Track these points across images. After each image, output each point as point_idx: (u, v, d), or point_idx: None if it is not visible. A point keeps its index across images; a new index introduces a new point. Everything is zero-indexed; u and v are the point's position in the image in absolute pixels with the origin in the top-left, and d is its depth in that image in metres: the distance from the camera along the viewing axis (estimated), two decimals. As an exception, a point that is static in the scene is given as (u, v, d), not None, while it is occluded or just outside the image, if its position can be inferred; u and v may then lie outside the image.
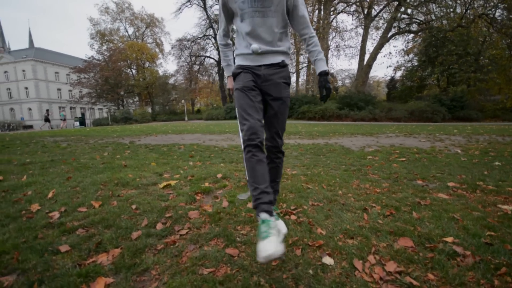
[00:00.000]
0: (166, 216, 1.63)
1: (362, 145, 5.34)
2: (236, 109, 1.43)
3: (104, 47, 36.17)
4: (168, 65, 67.39)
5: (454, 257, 1.13)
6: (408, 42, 24.28)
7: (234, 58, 1.56)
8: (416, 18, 21.83)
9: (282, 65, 1.42)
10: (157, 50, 40.63)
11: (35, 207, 1.76)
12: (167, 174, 2.79)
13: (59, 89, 43.54)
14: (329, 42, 23.89)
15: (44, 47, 48.17)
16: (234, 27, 1.48)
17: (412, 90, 23.99)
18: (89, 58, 33.28)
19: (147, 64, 38.12)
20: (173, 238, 1.34)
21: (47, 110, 22.56)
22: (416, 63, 23.68)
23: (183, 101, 33.42)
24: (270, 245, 0.96)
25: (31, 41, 50.61)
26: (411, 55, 24.45)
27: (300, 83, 31.41)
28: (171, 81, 40.00)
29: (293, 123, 16.84)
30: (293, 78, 32.11)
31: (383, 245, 1.25)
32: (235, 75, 1.45)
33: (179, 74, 39.18)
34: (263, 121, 1.37)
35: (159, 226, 1.49)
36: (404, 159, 3.74)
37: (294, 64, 28.67)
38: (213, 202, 1.90)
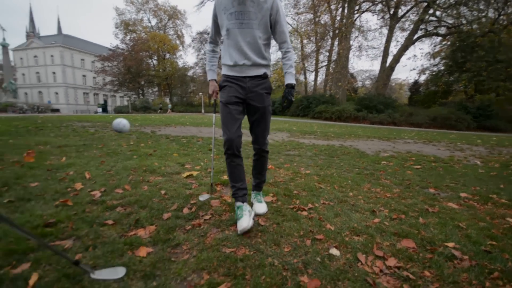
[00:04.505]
0: (191, 202, 1.83)
1: (377, 150, 5.35)
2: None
3: (128, 37, 37.31)
4: (188, 57, 68.30)
5: (451, 260, 1.24)
6: (435, 46, 23.32)
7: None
8: (445, 21, 20.89)
9: (264, 77, 1.58)
10: (177, 42, 41.41)
11: (78, 186, 2.01)
12: (189, 165, 3.01)
13: (84, 76, 45.50)
14: (351, 42, 23.36)
15: (71, 33, 50.16)
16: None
17: (436, 95, 23.11)
18: (114, 47, 34.49)
19: (167, 56, 38.94)
20: (199, 222, 1.53)
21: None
22: (442, 68, 22.75)
23: (200, 93, 34.00)
24: (244, 222, 1.43)
25: (59, 28, 52.77)
26: (437, 59, 23.47)
27: (318, 82, 31.03)
28: (190, 73, 40.73)
29: (309, 122, 16.79)
30: (311, 77, 31.80)
31: (387, 243, 1.38)
32: (221, 87, 1.62)
33: (198, 66, 39.86)
34: (240, 132, 1.58)
35: (186, 210, 1.69)
36: (419, 166, 3.76)
37: (314, 62, 28.32)
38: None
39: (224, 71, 1.61)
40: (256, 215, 1.66)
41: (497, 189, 2.69)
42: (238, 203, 1.58)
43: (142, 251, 1.17)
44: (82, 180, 2.19)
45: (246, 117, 1.68)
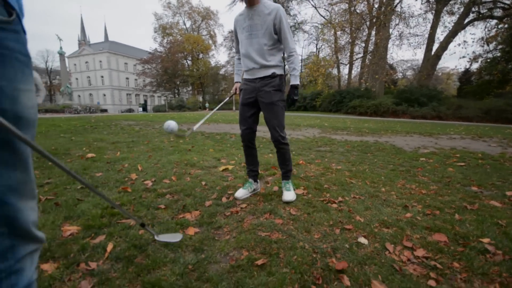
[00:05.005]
0: (229, 192, 2.03)
1: (416, 146, 5.08)
2: None
3: (165, 40, 39.57)
4: (220, 56, 70.55)
5: (483, 254, 1.24)
6: (489, 30, 20.65)
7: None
8: (501, 1, 18.40)
9: (273, 76, 1.82)
10: (210, 41, 42.76)
11: (133, 176, 2.35)
12: (224, 159, 3.24)
13: (127, 78, 49.45)
14: (391, 30, 21.80)
15: (116, 40, 54.66)
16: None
17: (490, 86, 20.59)
18: (153, 50, 36.88)
19: (200, 56, 40.46)
20: (236, 209, 1.71)
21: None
22: (498, 54, 20.16)
23: (232, 91, 34.83)
24: (240, 192, 1.94)
25: (106, 35, 57.66)
26: (492, 45, 20.82)
27: (352, 75, 29.62)
28: (222, 71, 41.83)
29: (342, 117, 16.26)
30: (345, 70, 30.44)
31: (417, 236, 1.41)
32: (241, 90, 1.99)
33: (230, 65, 40.70)
34: (254, 127, 1.95)
35: (224, 199, 1.89)
36: (463, 163, 3.52)
37: (348, 55, 27.06)
38: (265, 186, 2.24)
39: (244, 75, 1.98)
40: (285, 202, 1.84)
41: (554, 188, 2.44)
42: (250, 179, 2.07)
43: (191, 231, 1.39)
44: (135, 171, 2.53)
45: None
